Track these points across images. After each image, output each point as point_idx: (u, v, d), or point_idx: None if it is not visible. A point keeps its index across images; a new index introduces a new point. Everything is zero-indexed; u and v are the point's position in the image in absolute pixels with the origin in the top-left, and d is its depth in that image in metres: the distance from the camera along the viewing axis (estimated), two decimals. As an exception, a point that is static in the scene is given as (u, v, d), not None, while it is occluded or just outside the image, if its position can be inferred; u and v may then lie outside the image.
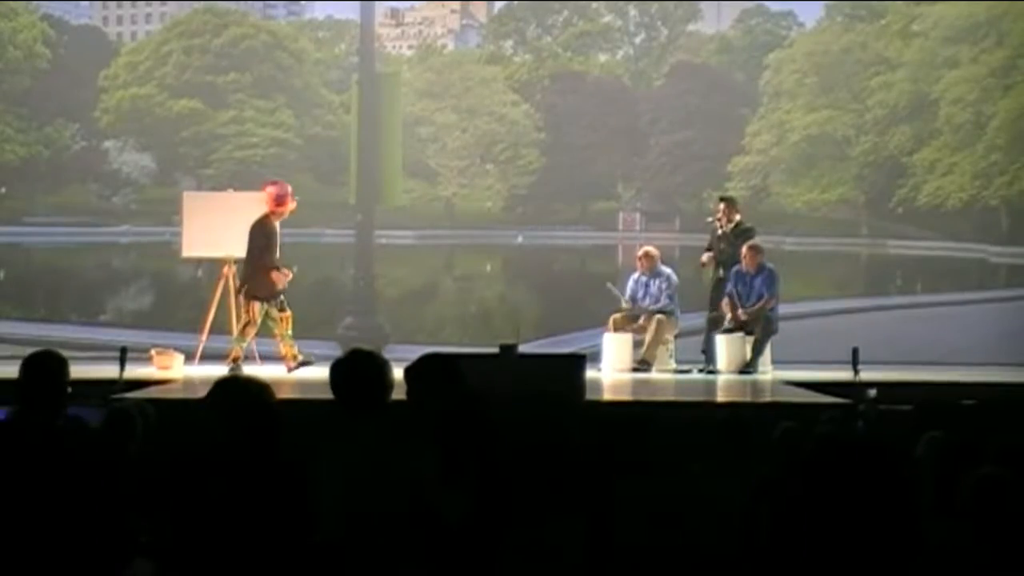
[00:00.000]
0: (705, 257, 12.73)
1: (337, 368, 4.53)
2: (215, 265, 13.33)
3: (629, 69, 17.89)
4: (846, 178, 16.99)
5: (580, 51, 17.80)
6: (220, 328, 12.74)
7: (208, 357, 12.54)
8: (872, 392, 9.25)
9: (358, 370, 4.50)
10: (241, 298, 11.64)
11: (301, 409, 7.64)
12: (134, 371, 10.95)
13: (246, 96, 16.94)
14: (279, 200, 11.69)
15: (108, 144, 16.96)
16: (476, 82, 17.58)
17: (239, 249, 12.62)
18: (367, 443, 4.29)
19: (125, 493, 4.60)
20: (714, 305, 12.62)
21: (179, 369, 11.97)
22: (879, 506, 3.69)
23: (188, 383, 10.86)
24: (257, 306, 11.51)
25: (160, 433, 6.16)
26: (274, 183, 11.95)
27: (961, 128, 16.53)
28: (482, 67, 17.79)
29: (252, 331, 11.57)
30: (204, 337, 12.61)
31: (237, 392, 4.22)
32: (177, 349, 12.46)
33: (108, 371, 10.62)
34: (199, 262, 15.11)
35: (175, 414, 6.86)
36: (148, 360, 12.14)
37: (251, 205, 12.94)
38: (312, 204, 16.73)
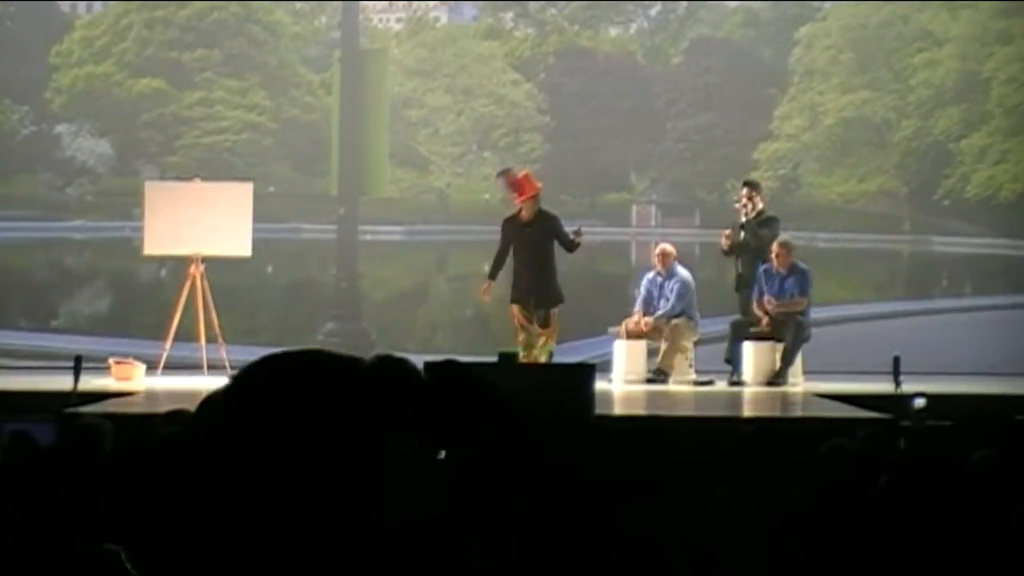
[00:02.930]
0: (724, 243, 12.70)
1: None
2: (180, 264, 13.34)
3: (643, 45, 17.91)
4: (886, 167, 17.00)
5: (588, 25, 17.82)
6: (186, 335, 12.74)
7: (172, 367, 12.56)
8: (920, 402, 9.21)
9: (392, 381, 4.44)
10: (540, 309, 11.84)
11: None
12: (90, 382, 10.96)
13: (215, 75, 16.95)
14: (521, 187, 12.00)
15: (61, 129, 16.97)
16: (472, 59, 17.60)
17: (206, 246, 12.63)
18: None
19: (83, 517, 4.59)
20: (744, 308, 12.63)
21: (140, 380, 12.00)
22: (931, 535, 3.68)
23: (150, 396, 10.87)
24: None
25: (118, 452, 6.16)
26: (512, 172, 12.28)
27: (1015, 111, 16.54)
28: (479, 42, 17.80)
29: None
30: (168, 345, 12.62)
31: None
32: (138, 358, 12.48)
33: (61, 382, 10.63)
34: (163, 260, 15.13)
35: (135, 431, 6.87)
36: (106, 370, 12.16)
37: (220, 196, 12.96)
38: (289, 196, 16.78)
